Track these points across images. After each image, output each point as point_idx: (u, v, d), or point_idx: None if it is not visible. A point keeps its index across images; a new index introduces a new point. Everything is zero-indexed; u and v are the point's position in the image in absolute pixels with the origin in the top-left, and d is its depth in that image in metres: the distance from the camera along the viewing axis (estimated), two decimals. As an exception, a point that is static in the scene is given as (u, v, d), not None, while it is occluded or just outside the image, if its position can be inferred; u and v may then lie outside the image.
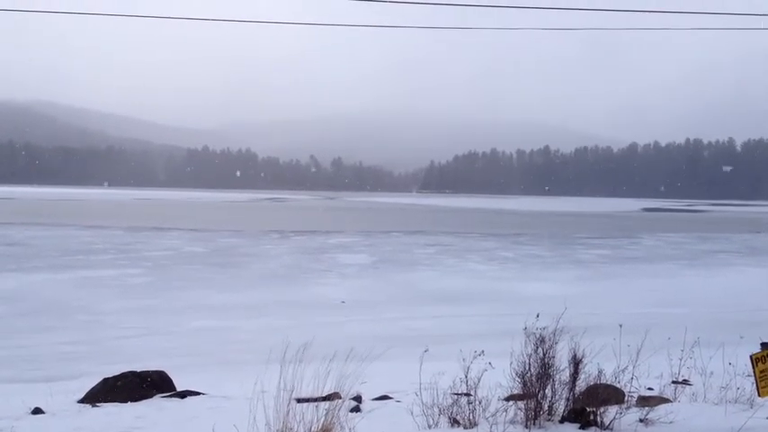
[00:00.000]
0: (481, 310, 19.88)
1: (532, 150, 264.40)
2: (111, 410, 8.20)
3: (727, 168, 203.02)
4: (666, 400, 7.46)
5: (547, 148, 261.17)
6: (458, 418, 6.28)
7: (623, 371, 6.53)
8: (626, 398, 6.80)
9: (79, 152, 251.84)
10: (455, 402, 6.39)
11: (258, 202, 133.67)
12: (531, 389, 6.26)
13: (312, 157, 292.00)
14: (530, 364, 6.27)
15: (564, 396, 6.36)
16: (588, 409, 6.20)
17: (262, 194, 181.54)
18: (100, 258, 30.51)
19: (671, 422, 6.15)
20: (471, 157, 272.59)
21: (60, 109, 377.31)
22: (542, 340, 6.28)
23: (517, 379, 6.37)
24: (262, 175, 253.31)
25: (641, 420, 6.22)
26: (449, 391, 6.54)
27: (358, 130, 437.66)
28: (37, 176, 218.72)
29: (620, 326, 6.99)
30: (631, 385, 6.62)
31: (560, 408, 6.35)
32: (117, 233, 45.45)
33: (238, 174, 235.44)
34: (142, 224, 55.49)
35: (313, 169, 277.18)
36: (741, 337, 8.32)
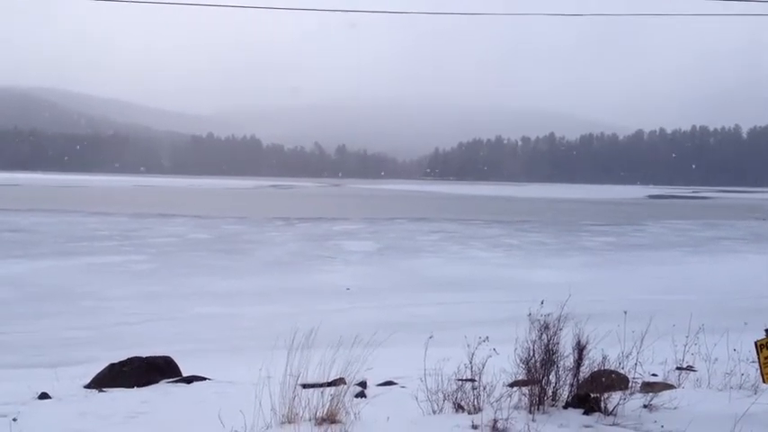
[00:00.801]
0: (485, 296, 19.89)
1: (537, 137, 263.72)
2: (117, 395, 8.24)
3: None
4: (671, 387, 7.47)
5: (552, 135, 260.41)
6: (462, 403, 6.30)
7: (627, 357, 6.54)
8: (630, 384, 6.81)
9: (83, 138, 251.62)
10: (459, 388, 6.40)
11: (262, 189, 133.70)
12: (536, 375, 6.27)
13: (316, 143, 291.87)
14: (534, 350, 6.28)
15: (568, 382, 6.38)
16: (592, 395, 6.21)
17: (266, 181, 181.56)
18: (105, 245, 30.59)
19: (675, 408, 6.17)
20: (476, 145, 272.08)
21: (64, 95, 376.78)
22: (546, 327, 6.28)
23: (521, 365, 6.38)
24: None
25: (645, 406, 6.24)
26: (453, 377, 6.56)
27: (362, 117, 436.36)
28: (41, 163, 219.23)
29: (625, 312, 6.99)
30: (635, 371, 6.63)
31: (564, 394, 6.36)
32: (122, 220, 45.56)
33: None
34: (147, 211, 55.57)
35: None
36: (745, 324, 8.33)
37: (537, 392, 6.21)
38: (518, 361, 6.40)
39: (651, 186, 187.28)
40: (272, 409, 5.83)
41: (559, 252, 31.80)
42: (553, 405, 6.27)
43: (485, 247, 32.93)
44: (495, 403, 6.06)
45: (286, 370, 5.97)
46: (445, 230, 42.45)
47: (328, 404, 5.88)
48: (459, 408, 6.29)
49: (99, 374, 9.14)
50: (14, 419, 6.76)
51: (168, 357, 9.68)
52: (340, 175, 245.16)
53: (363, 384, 8.12)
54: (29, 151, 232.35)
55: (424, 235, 39.16)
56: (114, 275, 22.29)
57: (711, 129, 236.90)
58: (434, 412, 6.27)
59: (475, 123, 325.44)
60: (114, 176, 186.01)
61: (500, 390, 6.48)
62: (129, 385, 8.80)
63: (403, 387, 8.45)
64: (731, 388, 7.14)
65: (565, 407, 6.25)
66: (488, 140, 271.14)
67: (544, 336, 6.27)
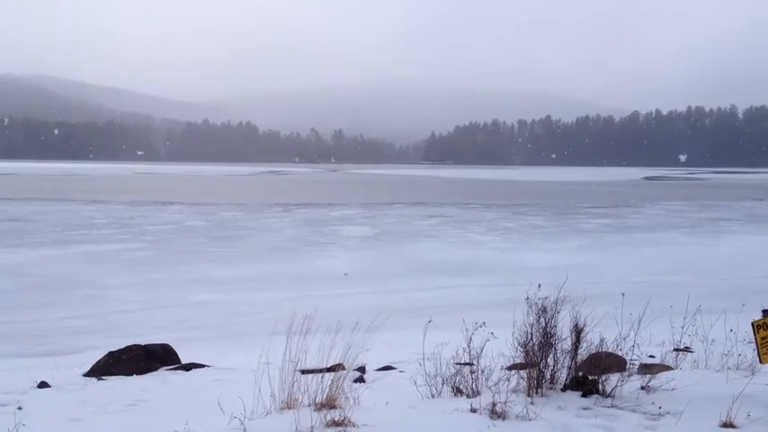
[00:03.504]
0: (483, 280, 19.93)
1: (533, 120, 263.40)
2: (116, 383, 8.26)
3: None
4: (668, 368, 7.49)
5: (548, 118, 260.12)
6: (461, 387, 6.32)
7: (625, 339, 6.55)
8: (628, 366, 6.83)
9: (79, 127, 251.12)
10: (458, 372, 6.42)
11: (259, 175, 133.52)
12: (534, 358, 6.29)
13: (313, 129, 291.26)
14: (532, 333, 6.29)
15: (566, 365, 6.39)
16: (590, 378, 6.23)
17: (262, 168, 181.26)
18: (103, 233, 30.55)
19: (672, 389, 6.19)
20: (472, 128, 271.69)
21: (59, 83, 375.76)
22: (544, 310, 6.29)
23: (519, 348, 6.39)
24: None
25: (643, 388, 6.26)
26: (452, 361, 6.58)
27: (359, 102, 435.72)
28: (36, 151, 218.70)
29: (623, 294, 7.00)
30: (633, 353, 6.64)
31: (562, 376, 6.38)
32: (119, 207, 45.49)
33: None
34: (144, 198, 55.52)
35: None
36: (743, 305, 8.33)
37: (535, 375, 6.23)
38: (516, 344, 6.41)
39: (647, 168, 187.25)
40: (272, 395, 5.84)
41: (557, 235, 31.84)
42: (551, 388, 6.29)
43: (482, 231, 32.95)
44: (493, 387, 6.07)
45: (285, 356, 5.97)
46: (443, 215, 42.46)
47: (327, 389, 5.89)
48: (457, 391, 6.31)
49: (98, 363, 9.16)
50: (20, 408, 6.76)
51: (167, 345, 9.70)
52: (333, 160, 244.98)
53: (362, 369, 8.14)
54: (24, 140, 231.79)
55: (422, 219, 39.17)
56: (112, 264, 22.27)
57: (707, 109, 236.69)
58: (433, 396, 6.29)
59: (471, 107, 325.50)
60: (110, 164, 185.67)
61: (498, 373, 6.50)
62: (129, 373, 8.83)
63: (401, 372, 8.47)
64: (728, 369, 7.16)
65: (563, 389, 6.27)
66: (485, 124, 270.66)
67: (542, 319, 6.28)
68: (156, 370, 9.07)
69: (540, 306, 6.29)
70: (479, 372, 6.32)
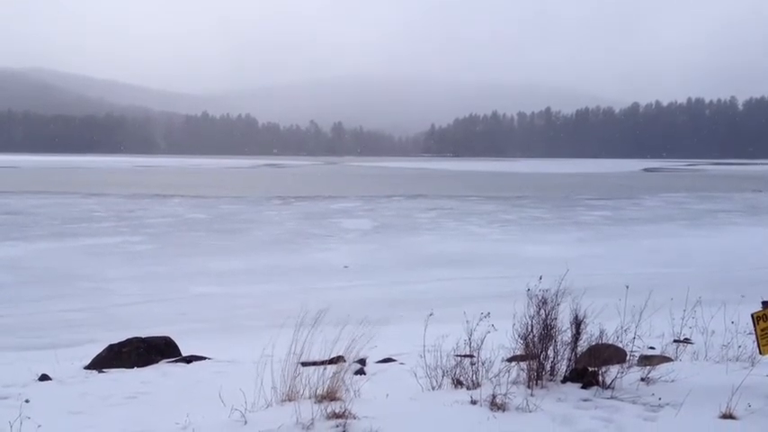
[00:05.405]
0: (484, 273, 19.93)
1: (533, 113, 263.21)
2: (117, 376, 8.28)
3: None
4: (668, 359, 7.50)
5: (548, 110, 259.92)
6: (461, 379, 6.33)
7: (625, 331, 6.55)
8: (628, 357, 6.83)
9: (78, 120, 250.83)
10: (458, 364, 6.42)
11: (258, 168, 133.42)
12: (534, 350, 6.29)
13: (312, 122, 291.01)
14: (532, 325, 6.29)
15: (566, 356, 6.39)
16: (590, 369, 6.23)
17: (261, 160, 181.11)
18: (103, 226, 30.54)
19: (672, 380, 6.20)
20: (472, 120, 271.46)
21: (58, 77, 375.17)
22: (544, 302, 6.29)
23: (520, 340, 6.39)
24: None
25: (643, 379, 6.26)
26: (452, 353, 6.58)
27: (359, 95, 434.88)
28: (36, 145, 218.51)
29: (627, 287, 6.98)
30: (633, 345, 6.65)
31: (562, 368, 6.39)
32: (119, 201, 45.47)
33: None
34: (143, 191, 55.47)
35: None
36: (742, 296, 8.34)
37: (535, 367, 6.23)
38: (516, 336, 6.41)
39: (647, 159, 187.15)
40: (273, 387, 5.84)
41: (556, 227, 31.83)
42: (551, 379, 6.29)
43: (482, 224, 32.95)
44: (493, 378, 6.08)
45: (291, 348, 5.97)
46: (442, 207, 42.44)
47: (328, 382, 5.89)
48: (458, 383, 6.31)
49: (99, 355, 9.18)
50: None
51: (168, 338, 9.71)
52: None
53: (363, 362, 8.15)
54: (23, 133, 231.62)
55: (422, 212, 39.16)
56: (112, 257, 22.27)
57: (707, 101, 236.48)
58: (433, 388, 6.30)
59: (471, 99, 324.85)
60: (110, 157, 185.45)
61: (498, 365, 6.51)
62: (129, 366, 8.84)
63: (402, 364, 8.48)
64: (728, 360, 7.17)
65: (563, 381, 6.28)
66: (485, 116, 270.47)
67: (542, 311, 6.28)
68: (157, 362, 9.08)
69: (540, 298, 6.29)
70: (480, 364, 6.32)
